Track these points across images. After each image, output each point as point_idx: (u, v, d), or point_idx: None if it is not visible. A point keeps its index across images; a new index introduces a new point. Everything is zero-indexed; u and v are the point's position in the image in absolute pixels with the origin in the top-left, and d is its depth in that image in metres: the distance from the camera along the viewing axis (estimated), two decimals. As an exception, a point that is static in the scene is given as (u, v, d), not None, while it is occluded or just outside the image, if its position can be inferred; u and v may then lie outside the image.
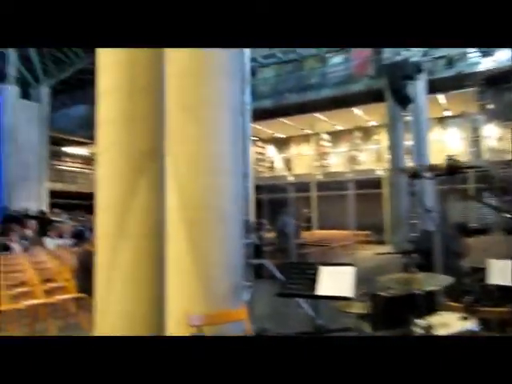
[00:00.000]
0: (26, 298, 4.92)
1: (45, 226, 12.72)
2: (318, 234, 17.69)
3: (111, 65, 3.27)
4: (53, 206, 21.31)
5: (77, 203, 23.94)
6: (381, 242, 17.29)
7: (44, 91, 21.41)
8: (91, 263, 3.73)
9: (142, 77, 3.24)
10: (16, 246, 7.09)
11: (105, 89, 3.25)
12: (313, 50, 19.16)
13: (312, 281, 3.19)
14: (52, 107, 22.60)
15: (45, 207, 20.04)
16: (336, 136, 23.97)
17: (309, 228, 18.58)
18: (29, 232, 7.90)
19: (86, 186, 25.62)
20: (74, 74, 21.95)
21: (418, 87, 15.66)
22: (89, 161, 26.71)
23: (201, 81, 3.16)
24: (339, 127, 23.19)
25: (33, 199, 20.17)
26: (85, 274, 4.36)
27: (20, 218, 14.28)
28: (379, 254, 10.04)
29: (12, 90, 19.13)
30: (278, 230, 10.21)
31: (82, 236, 9.54)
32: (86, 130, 22.69)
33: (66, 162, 25.77)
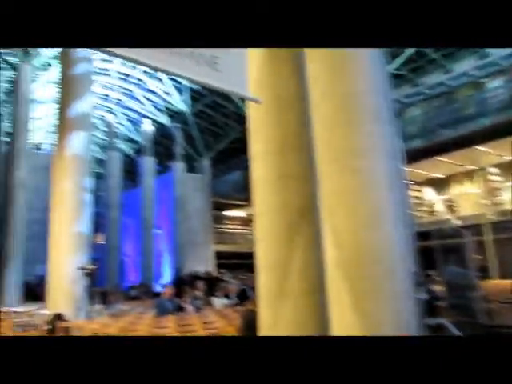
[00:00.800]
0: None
1: (212, 286, 13.55)
2: (502, 284, 15.22)
3: (262, 128, 3.36)
4: (218, 266, 23.03)
5: (238, 263, 25.52)
6: None
7: (205, 163, 24.01)
8: (254, 322, 3.68)
9: (291, 136, 3.25)
10: (188, 307, 7.60)
11: (257, 151, 3.33)
12: (464, 78, 17.68)
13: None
14: (212, 176, 25.15)
15: (211, 268, 21.76)
16: (505, 168, 21.12)
17: (484, 277, 16.16)
18: (198, 293, 8.44)
19: (245, 245, 27.28)
20: (228, 145, 24.27)
21: None
22: (246, 222, 28.51)
23: (350, 129, 3.03)
24: (508, 157, 20.44)
25: (201, 261, 22.15)
26: (248, 333, 4.36)
27: (190, 280, 15.65)
28: None
29: (179, 165, 21.89)
30: (447, 282, 9.04)
31: (245, 295, 9.85)
32: (242, 193, 24.48)
33: (227, 224, 27.88)
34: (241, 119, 22.79)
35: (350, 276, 2.94)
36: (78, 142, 7.84)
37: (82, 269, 7.30)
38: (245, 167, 27.41)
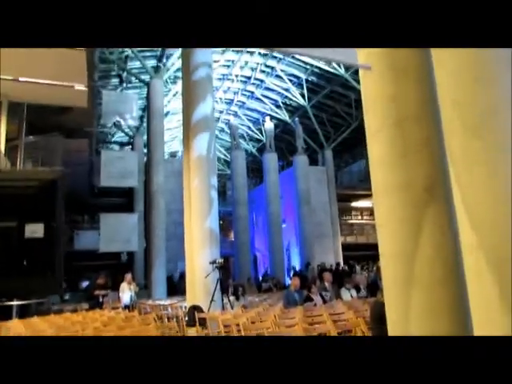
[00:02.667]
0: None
1: (341, 277, 13.25)
2: None
3: (377, 102, 3.08)
4: (346, 258, 22.59)
5: (367, 254, 24.76)
6: None
7: (328, 155, 23.70)
8: (383, 314, 3.43)
9: (410, 107, 2.91)
10: (316, 298, 7.50)
11: (374, 129, 3.06)
12: None
13: None
14: (336, 167, 24.74)
15: (340, 260, 21.42)
16: None
17: None
18: (327, 284, 8.28)
19: (373, 236, 26.25)
20: (351, 134, 23.58)
21: None
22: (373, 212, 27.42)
23: (481, 87, 2.54)
24: None
25: (328, 253, 21.96)
26: (377, 326, 4.08)
27: (318, 272, 15.55)
28: None
29: (301, 159, 21.94)
30: None
31: (376, 286, 9.41)
32: (368, 183, 23.51)
33: (354, 215, 27.19)
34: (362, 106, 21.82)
35: (491, 262, 2.50)
36: (202, 142, 8.31)
37: (213, 263, 7.73)
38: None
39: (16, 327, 6.69)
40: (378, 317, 4.01)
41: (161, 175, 14.91)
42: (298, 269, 20.71)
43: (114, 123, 14.20)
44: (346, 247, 23.02)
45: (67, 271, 21.00)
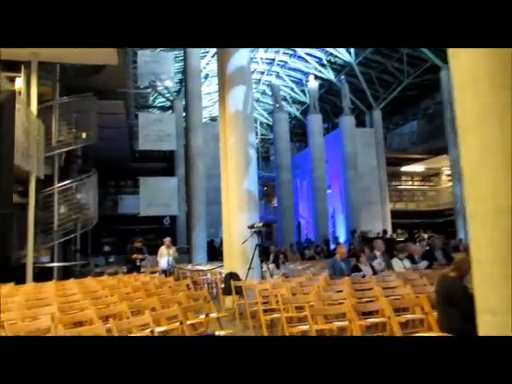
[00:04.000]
0: (378, 331, 4.34)
1: (391, 246, 12.38)
2: None
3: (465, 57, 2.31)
4: (394, 226, 21.44)
5: (417, 222, 23.47)
6: None
7: (376, 115, 22.20)
8: (456, 294, 2.73)
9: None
10: (365, 268, 6.76)
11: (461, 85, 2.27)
12: None
13: None
14: (385, 129, 23.20)
15: (388, 228, 20.31)
16: None
17: None
18: (378, 253, 7.50)
19: (425, 203, 24.84)
20: (402, 92, 21.89)
21: None
22: (426, 177, 25.82)
23: None
24: None
25: (376, 220, 20.90)
26: (446, 308, 3.29)
27: (367, 240, 14.71)
28: None
29: (348, 120, 20.66)
30: None
31: (433, 257, 8.52)
32: (420, 145, 22.06)
33: (404, 181, 25.73)
34: (416, 62, 20.24)
35: None
36: (238, 96, 7.56)
37: (252, 227, 7.13)
38: (423, 115, 24.53)
39: (46, 287, 6.48)
40: (449, 297, 3.24)
41: (199, 138, 14.34)
42: (341, 238, 19.90)
43: (150, 84, 13.62)
44: (394, 214, 21.84)
45: (112, 234, 21.46)
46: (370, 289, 5.40)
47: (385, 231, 16.68)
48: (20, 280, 7.78)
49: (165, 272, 8.66)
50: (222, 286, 6.82)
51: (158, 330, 3.65)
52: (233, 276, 6.75)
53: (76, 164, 11.96)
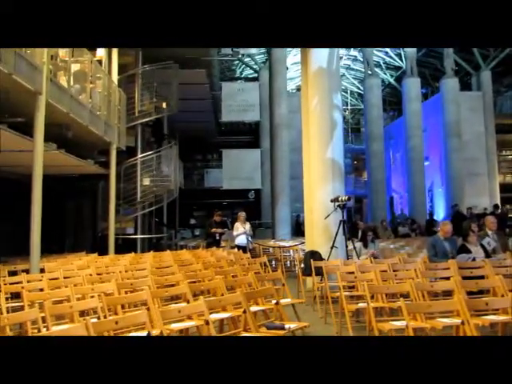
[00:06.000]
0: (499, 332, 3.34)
1: (503, 223, 10.75)
2: None
3: None
4: (504, 200, 18.86)
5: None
6: None
7: (485, 77, 19.46)
8: None
9: None
10: (475, 249, 5.59)
11: None
12: None
13: None
14: (495, 92, 20.31)
15: (496, 203, 17.88)
16: None
17: None
18: (489, 233, 6.23)
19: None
20: (514, 50, 18.88)
21: None
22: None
23: None
24: None
25: (482, 195, 18.56)
26: None
27: (473, 216, 12.95)
28: None
29: (451, 82, 18.34)
30: None
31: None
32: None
33: (517, 150, 22.55)
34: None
35: None
36: (322, 52, 6.59)
37: (335, 201, 6.26)
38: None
39: (121, 259, 6.34)
40: None
41: (283, 106, 13.51)
42: (440, 214, 18.00)
43: (233, 51, 13.03)
44: (504, 188, 19.21)
45: (199, 208, 21.82)
46: (484, 277, 4.34)
47: (496, 206, 14.53)
48: (102, 251, 7.86)
49: (243, 248, 8.18)
50: (302, 265, 6.13)
51: (215, 316, 3.06)
52: (314, 255, 6.01)
53: (159, 136, 11.89)
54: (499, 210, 13.57)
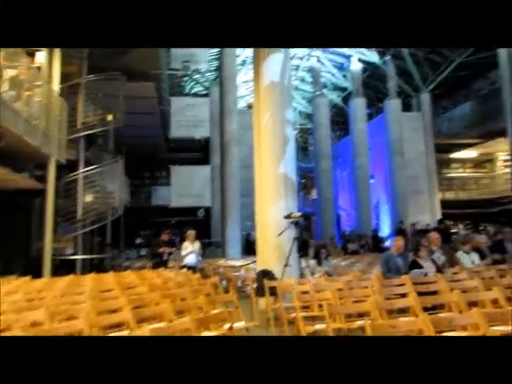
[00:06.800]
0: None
1: (446, 238, 11.10)
2: None
3: None
4: (444, 216, 19.73)
5: (469, 212, 21.55)
6: None
7: (424, 98, 20.49)
8: None
9: None
10: (426, 264, 5.61)
11: None
12: None
13: None
14: (434, 113, 21.39)
15: (437, 219, 18.63)
16: None
17: None
18: (435, 247, 6.34)
19: (477, 191, 22.84)
20: (452, 73, 20.08)
21: None
22: (479, 163, 23.75)
23: None
24: None
25: (424, 212, 19.28)
26: None
27: (420, 232, 13.33)
28: None
29: (393, 103, 19.12)
30: None
31: (503, 249, 7.26)
32: (473, 129, 20.19)
33: (454, 168, 23.81)
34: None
35: None
36: (274, 66, 6.51)
37: (289, 217, 6.12)
38: (475, 97, 22.52)
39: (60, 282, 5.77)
40: None
41: (234, 123, 13.36)
42: (386, 231, 18.49)
43: (183, 65, 12.74)
44: (444, 205, 20.11)
45: (146, 226, 21.03)
46: (437, 292, 4.30)
47: (440, 220, 15.08)
48: (36, 274, 7.19)
49: (193, 268, 7.80)
50: (255, 285, 5.88)
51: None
52: (267, 274, 5.79)
53: (103, 150, 11.31)
54: (442, 225, 14.10)
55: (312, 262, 6.14)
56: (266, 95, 6.59)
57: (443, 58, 19.89)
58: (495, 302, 3.66)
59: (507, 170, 20.91)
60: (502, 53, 16.00)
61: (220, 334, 3.21)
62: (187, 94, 23.84)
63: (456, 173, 23.59)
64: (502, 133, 17.24)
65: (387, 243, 15.63)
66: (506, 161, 21.52)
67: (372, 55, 20.96)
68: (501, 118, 17.19)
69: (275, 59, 6.55)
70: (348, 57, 21.81)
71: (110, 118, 10.13)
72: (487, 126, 19.19)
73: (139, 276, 6.55)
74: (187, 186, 13.65)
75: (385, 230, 19.01)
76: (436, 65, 20.38)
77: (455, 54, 19.14)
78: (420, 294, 4.16)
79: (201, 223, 18.43)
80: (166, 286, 5.17)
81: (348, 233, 19.39)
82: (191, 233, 8.30)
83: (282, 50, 6.69)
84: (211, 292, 4.97)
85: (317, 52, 22.77)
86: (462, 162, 23.64)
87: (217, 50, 17.98)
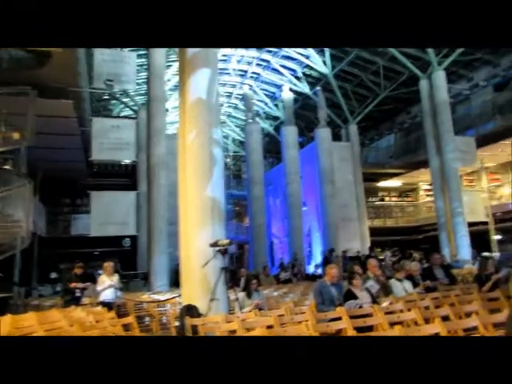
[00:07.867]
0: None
1: (379, 266, 11.04)
2: None
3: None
4: (373, 244, 20.19)
5: (396, 239, 22.34)
6: None
7: (352, 129, 21.19)
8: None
9: None
10: (361, 294, 5.28)
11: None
12: None
13: None
14: (361, 143, 22.19)
15: (367, 246, 18.98)
16: None
17: None
18: (372, 275, 6.10)
19: (403, 219, 23.82)
20: (377, 107, 21.09)
21: None
22: (404, 192, 24.88)
23: None
24: None
25: (354, 239, 19.55)
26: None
27: (353, 259, 13.30)
28: None
29: (323, 132, 19.51)
30: None
31: (433, 276, 7.19)
32: (397, 160, 21.18)
33: (381, 196, 24.73)
34: (392, 74, 19.45)
35: None
36: (202, 82, 6.04)
37: (215, 245, 5.55)
38: (399, 130, 23.80)
39: None
40: None
41: (162, 146, 12.65)
42: (317, 258, 18.45)
43: (105, 84, 11.90)
44: (372, 232, 20.62)
45: (64, 259, 19.30)
46: (372, 327, 3.92)
47: (371, 248, 15.25)
48: None
49: (109, 305, 6.89)
50: (176, 324, 5.18)
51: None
52: (190, 310, 5.12)
53: (12, 174, 10.07)
54: (373, 253, 14.23)
55: (241, 295, 5.58)
56: (192, 113, 6.08)
57: (369, 92, 20.85)
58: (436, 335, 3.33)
59: (429, 198, 22.10)
60: (423, 85, 17.01)
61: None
62: (114, 117, 22.78)
63: (383, 201, 24.49)
64: (424, 163, 18.23)
65: (319, 270, 15.47)
66: (427, 190, 22.78)
67: (303, 86, 21.47)
68: (423, 150, 18.21)
69: (202, 74, 6.09)
70: (279, 86, 22.18)
71: (16, 136, 9.03)
72: (410, 157, 20.26)
73: (41, 319, 5.56)
74: (109, 214, 12.57)
75: (317, 257, 18.97)
76: (363, 98, 21.30)
77: (380, 87, 20.12)
78: (357, 329, 3.77)
79: (127, 254, 17.20)
80: (70, 330, 4.33)
81: (280, 262, 19.12)
82: (109, 265, 7.42)
83: (211, 65, 6.27)
84: (124, 334, 4.23)
85: (249, 80, 22.95)
86: (388, 190, 24.64)
87: (145, 73, 17.35)
